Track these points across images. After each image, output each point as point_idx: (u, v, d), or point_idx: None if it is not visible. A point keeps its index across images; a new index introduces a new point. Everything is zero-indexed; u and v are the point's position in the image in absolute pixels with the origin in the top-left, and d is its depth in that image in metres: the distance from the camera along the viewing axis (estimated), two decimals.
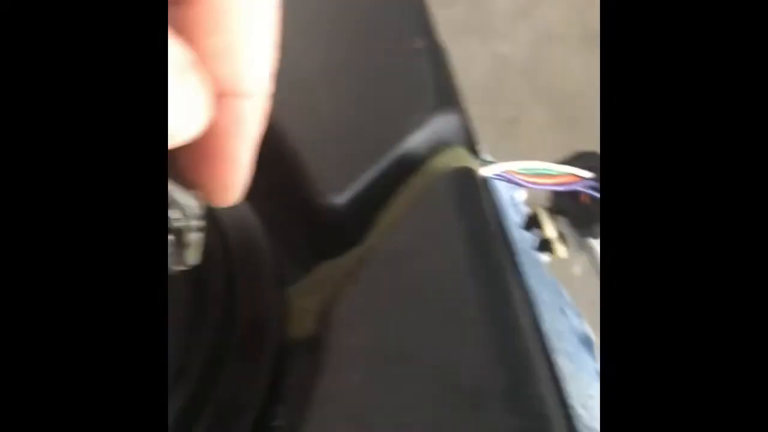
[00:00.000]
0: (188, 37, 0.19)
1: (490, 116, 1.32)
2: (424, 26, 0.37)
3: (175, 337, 0.28)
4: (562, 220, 0.44)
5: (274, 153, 0.30)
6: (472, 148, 0.36)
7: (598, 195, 0.36)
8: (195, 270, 0.24)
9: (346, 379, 0.26)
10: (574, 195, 0.42)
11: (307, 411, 0.26)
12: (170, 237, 0.22)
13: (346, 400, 0.26)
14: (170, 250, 0.22)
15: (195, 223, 0.22)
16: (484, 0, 1.49)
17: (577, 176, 0.36)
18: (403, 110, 0.33)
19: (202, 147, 0.20)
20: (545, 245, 0.42)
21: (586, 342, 0.39)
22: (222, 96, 0.20)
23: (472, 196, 0.31)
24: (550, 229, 0.41)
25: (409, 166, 0.32)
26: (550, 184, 0.37)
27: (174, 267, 0.23)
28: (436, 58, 0.36)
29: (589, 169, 0.36)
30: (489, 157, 0.36)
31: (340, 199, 0.31)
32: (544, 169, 0.37)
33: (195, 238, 0.22)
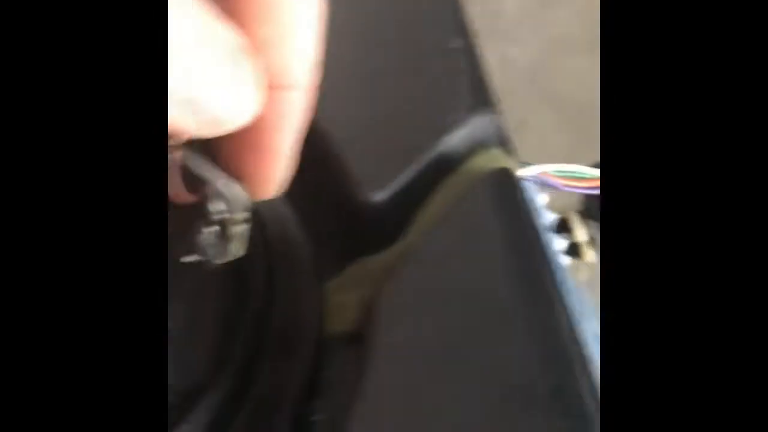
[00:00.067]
0: (238, 27, 0.19)
1: None
2: (459, 26, 0.37)
3: (213, 331, 0.28)
4: (593, 225, 0.44)
5: (315, 149, 0.30)
6: (506, 149, 0.36)
7: None
8: (236, 263, 0.24)
9: (391, 375, 0.26)
10: None
11: (348, 406, 0.26)
12: (214, 229, 0.22)
13: (391, 395, 0.26)
14: (214, 241, 0.22)
15: (240, 215, 0.22)
16: (493, 3, 1.49)
17: None
18: (441, 110, 0.33)
19: (246, 137, 0.20)
20: (574, 249, 0.42)
21: None
22: (269, 87, 0.20)
23: (512, 196, 0.31)
24: (581, 233, 0.41)
25: (446, 165, 0.32)
26: (582, 187, 0.37)
27: (218, 259, 0.23)
28: (472, 58, 0.36)
29: None
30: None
31: (380, 196, 0.31)
32: (577, 172, 0.37)
33: (240, 230, 0.22)
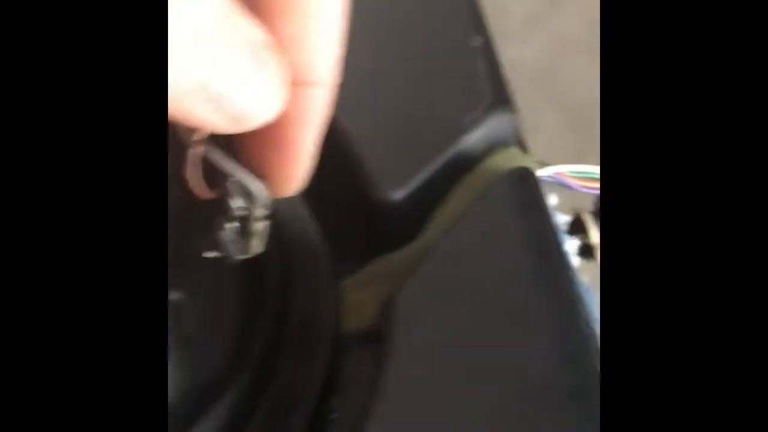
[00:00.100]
0: (263, 23, 0.19)
1: None
2: (478, 25, 0.37)
3: (231, 328, 0.28)
4: None
5: (334, 147, 0.30)
6: (524, 148, 0.36)
7: None
8: (254, 260, 0.24)
9: (409, 374, 0.26)
10: None
11: (366, 404, 0.26)
12: (235, 225, 0.22)
13: (409, 394, 0.26)
14: (235, 238, 0.22)
15: (261, 211, 0.22)
16: (499, 5, 1.49)
17: None
18: (460, 109, 0.33)
19: (269, 134, 0.20)
20: (586, 250, 0.42)
21: None
22: (293, 83, 0.20)
23: (531, 195, 0.31)
24: (594, 235, 0.41)
25: (465, 164, 0.32)
26: (598, 188, 0.37)
27: (238, 255, 0.22)
28: (491, 57, 0.36)
29: None
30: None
31: (398, 194, 0.31)
32: (592, 173, 0.37)
33: (260, 227, 0.22)
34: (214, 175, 0.21)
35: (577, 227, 0.41)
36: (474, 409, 0.25)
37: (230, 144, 0.21)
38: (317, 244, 0.31)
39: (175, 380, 0.25)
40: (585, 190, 0.37)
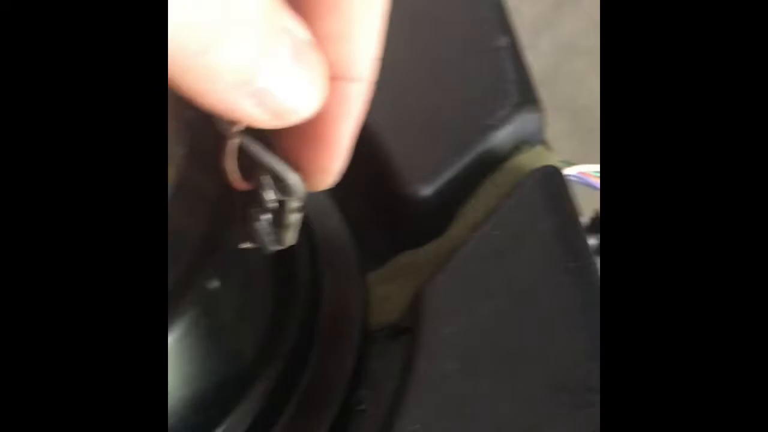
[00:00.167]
0: (305, 19, 0.19)
1: None
2: (505, 25, 0.37)
3: (264, 319, 0.28)
4: None
5: (362, 143, 0.30)
6: (548, 147, 0.36)
7: None
8: (286, 252, 0.24)
9: (441, 367, 0.26)
10: None
11: (396, 396, 0.26)
12: (269, 216, 0.22)
13: (441, 387, 0.26)
14: (269, 229, 0.22)
15: (296, 204, 0.22)
16: (509, 10, 1.48)
17: None
18: (487, 107, 0.33)
19: (307, 129, 0.21)
20: None
21: None
22: (333, 79, 0.20)
23: (559, 193, 0.31)
24: None
25: (492, 161, 0.33)
26: None
27: (272, 247, 0.23)
28: (518, 57, 0.36)
29: None
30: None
31: (426, 190, 0.32)
32: None
33: (294, 219, 0.22)
34: (250, 167, 0.22)
35: (596, 227, 0.42)
36: (502, 404, 0.25)
37: (267, 136, 0.22)
38: (344, 238, 0.32)
39: (208, 370, 0.25)
40: None
